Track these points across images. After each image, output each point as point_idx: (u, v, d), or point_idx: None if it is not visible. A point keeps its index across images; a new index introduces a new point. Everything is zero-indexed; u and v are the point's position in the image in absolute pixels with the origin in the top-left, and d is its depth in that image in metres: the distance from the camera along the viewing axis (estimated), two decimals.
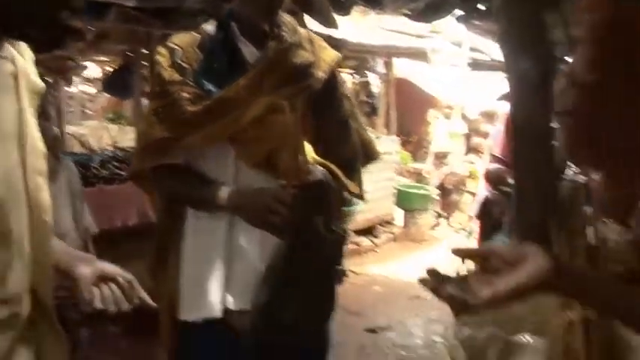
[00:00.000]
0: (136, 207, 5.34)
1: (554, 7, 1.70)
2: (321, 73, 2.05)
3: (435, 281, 1.03)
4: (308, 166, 1.99)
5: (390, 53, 9.73)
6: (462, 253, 1.10)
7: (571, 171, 1.94)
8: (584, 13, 1.82)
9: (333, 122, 2.12)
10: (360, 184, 2.19)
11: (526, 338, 1.57)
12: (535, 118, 1.63)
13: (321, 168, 2.00)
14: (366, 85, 10.49)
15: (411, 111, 11.07)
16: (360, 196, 2.22)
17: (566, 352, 1.40)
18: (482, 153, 9.88)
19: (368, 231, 8.81)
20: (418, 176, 10.65)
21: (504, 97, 7.03)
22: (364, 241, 8.61)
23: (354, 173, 2.16)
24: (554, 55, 1.67)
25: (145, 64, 6.22)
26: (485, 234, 5.01)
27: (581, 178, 1.96)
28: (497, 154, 5.00)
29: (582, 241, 1.61)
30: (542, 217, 1.59)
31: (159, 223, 2.32)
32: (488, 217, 5.01)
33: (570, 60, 1.79)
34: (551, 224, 1.61)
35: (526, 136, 1.66)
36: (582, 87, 1.83)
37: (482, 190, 5.36)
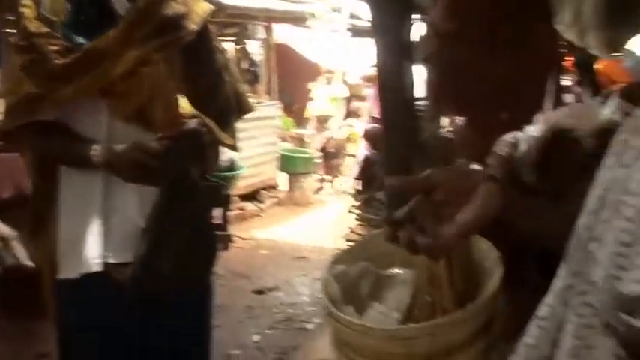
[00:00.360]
0: (10, 179, 5.07)
1: None
2: (193, 25, 2.03)
3: (390, 230, 0.91)
4: (182, 119, 1.99)
5: (269, 18, 9.70)
6: (404, 184, 0.98)
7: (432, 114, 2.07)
8: None
9: (205, 75, 2.11)
10: (233, 136, 2.21)
11: (396, 270, 1.67)
12: (396, 67, 1.72)
13: (195, 120, 2.00)
14: (246, 52, 10.41)
15: (292, 76, 11.12)
16: (234, 148, 2.24)
17: (431, 279, 1.50)
18: (360, 116, 10.17)
19: (252, 196, 8.85)
20: (300, 141, 10.78)
21: None
22: (249, 206, 8.65)
23: (228, 125, 2.17)
24: (414, 5, 1.76)
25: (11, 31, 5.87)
26: (367, 192, 5.18)
27: (446, 124, 2.09)
28: (375, 116, 5.19)
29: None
30: (407, 155, 1.71)
31: (33, 186, 2.24)
32: (369, 177, 5.18)
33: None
34: (416, 166, 1.72)
35: (389, 88, 1.75)
36: (441, 36, 1.96)
37: (362, 151, 5.52)
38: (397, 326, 1.43)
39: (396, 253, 1.73)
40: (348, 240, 4.07)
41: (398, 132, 1.75)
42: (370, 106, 5.50)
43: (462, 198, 0.90)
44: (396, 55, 1.73)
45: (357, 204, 4.76)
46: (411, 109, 1.82)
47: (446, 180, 0.88)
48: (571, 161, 2.54)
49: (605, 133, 2.73)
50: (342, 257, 1.63)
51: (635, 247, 0.67)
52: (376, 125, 5.05)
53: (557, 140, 2.58)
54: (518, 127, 2.19)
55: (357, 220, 4.50)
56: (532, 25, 1.88)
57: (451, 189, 0.90)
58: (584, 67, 4.32)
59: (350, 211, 4.91)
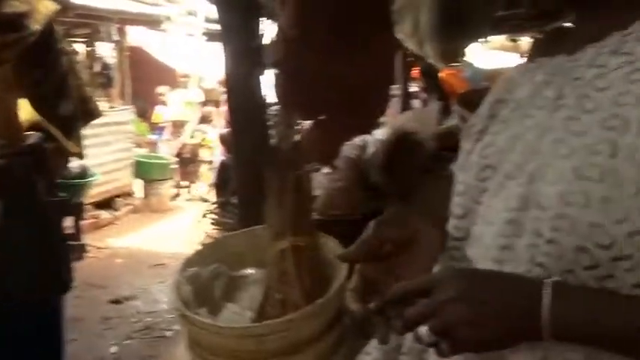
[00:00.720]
0: None
1: None
2: (36, 25, 1.95)
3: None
4: (22, 129, 1.89)
5: (122, 20, 9.39)
6: (352, 257, 0.92)
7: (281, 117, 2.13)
8: None
9: (50, 78, 2.03)
10: (79, 142, 2.14)
11: (248, 271, 1.71)
12: (244, 71, 1.76)
13: (37, 133, 1.91)
14: (97, 55, 10.01)
15: (146, 80, 10.84)
16: (80, 155, 2.16)
17: (281, 277, 1.55)
18: (212, 121, 10.16)
19: (107, 204, 8.52)
20: (155, 146, 10.53)
21: None
22: (103, 214, 8.32)
23: (73, 132, 2.10)
24: (261, 10, 1.80)
25: None
26: (222, 197, 5.17)
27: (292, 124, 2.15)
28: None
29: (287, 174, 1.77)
30: (256, 156, 1.75)
31: None
32: (224, 181, 5.18)
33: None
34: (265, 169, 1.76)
35: (237, 92, 1.78)
36: (289, 41, 2.01)
37: (218, 156, 5.49)
38: (248, 324, 1.47)
39: (247, 254, 1.77)
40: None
41: (247, 136, 1.78)
42: (226, 111, 5.48)
43: (409, 248, 0.88)
44: (243, 59, 1.77)
45: (212, 208, 4.74)
46: (260, 114, 1.86)
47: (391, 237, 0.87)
48: (415, 163, 2.70)
49: (446, 136, 2.91)
50: (193, 260, 1.64)
51: None
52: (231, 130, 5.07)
53: (402, 143, 2.73)
54: (365, 130, 2.31)
55: (212, 224, 4.49)
56: (376, 33, 1.99)
57: (399, 247, 0.87)
58: (429, 75, 4.60)
59: (205, 216, 4.88)
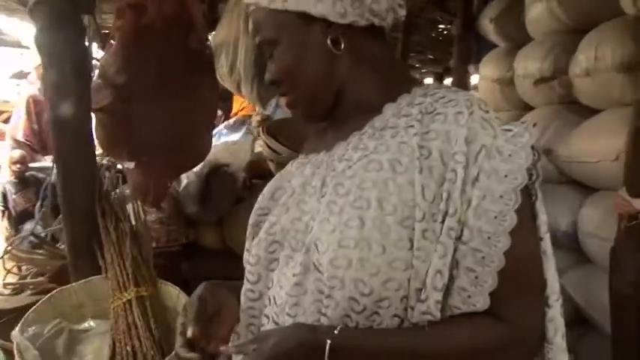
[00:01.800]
0: None
1: (90, 10, 1.81)
2: None
3: None
4: None
5: None
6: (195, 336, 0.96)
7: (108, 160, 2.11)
8: (114, 21, 1.99)
9: None
10: None
11: (90, 324, 1.70)
12: (74, 113, 1.72)
13: None
14: None
15: None
16: None
17: (129, 329, 1.58)
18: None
19: None
20: None
21: (17, 76, 6.71)
22: None
23: None
24: (88, 53, 1.78)
25: None
26: (15, 223, 4.82)
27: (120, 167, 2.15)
28: (20, 139, 4.89)
29: (123, 224, 1.80)
30: (89, 205, 1.73)
31: None
32: (14, 206, 4.84)
33: None
34: (97, 210, 1.75)
35: (65, 131, 1.74)
36: (113, 87, 2.01)
37: (3, 180, 5.07)
38: None
39: (87, 305, 1.76)
40: (7, 284, 3.63)
41: (79, 184, 1.76)
42: (13, 129, 5.09)
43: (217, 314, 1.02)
44: (76, 103, 1.73)
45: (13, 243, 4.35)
46: (92, 160, 1.85)
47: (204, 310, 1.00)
48: (227, 193, 2.82)
49: (255, 165, 3.05)
50: (32, 318, 1.61)
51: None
52: (22, 151, 4.77)
53: (215, 174, 2.83)
54: (187, 169, 2.36)
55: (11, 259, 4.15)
56: (200, 78, 2.06)
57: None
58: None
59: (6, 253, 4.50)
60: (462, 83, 3.97)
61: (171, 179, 2.13)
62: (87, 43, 1.81)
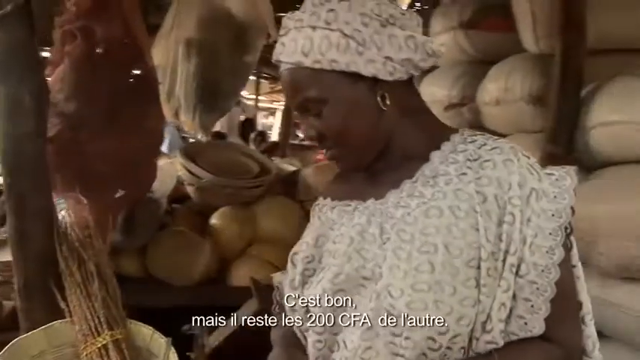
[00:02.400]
0: None
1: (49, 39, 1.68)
2: None
3: None
4: None
5: None
6: None
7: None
8: (58, 46, 1.86)
9: None
10: None
11: None
12: (27, 144, 1.59)
13: None
14: None
15: None
16: None
17: None
18: None
19: None
20: None
21: None
22: None
23: None
24: (46, 83, 1.64)
25: None
26: None
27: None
28: None
29: (87, 263, 1.70)
30: (46, 244, 1.59)
31: None
32: None
33: None
34: (57, 250, 1.63)
35: (19, 163, 1.60)
36: (62, 115, 1.87)
37: None
38: None
39: (48, 353, 1.64)
40: None
41: (36, 218, 1.61)
42: None
43: None
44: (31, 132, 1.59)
45: None
46: (48, 190, 1.70)
47: None
48: (152, 219, 2.75)
49: (174, 190, 3.00)
50: None
51: None
52: None
53: (139, 202, 2.74)
54: (136, 200, 2.27)
55: None
56: (144, 104, 1.97)
57: None
58: None
59: None
60: None
61: (118, 211, 2.02)
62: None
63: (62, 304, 1.61)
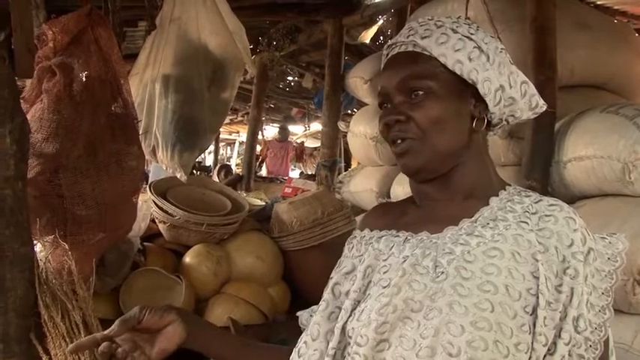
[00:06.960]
0: None
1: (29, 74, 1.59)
2: None
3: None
4: None
5: None
6: (115, 334, 1.04)
7: None
8: (36, 83, 1.79)
9: None
10: None
11: None
12: (6, 189, 1.50)
13: None
14: None
15: None
16: None
17: None
18: None
19: None
20: None
21: None
22: None
23: None
24: (27, 123, 1.56)
25: None
26: None
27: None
28: None
29: (72, 314, 1.63)
30: (26, 294, 1.51)
31: None
32: None
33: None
34: (39, 300, 1.55)
35: None
36: (41, 156, 1.79)
37: None
38: None
39: None
40: None
41: (14, 264, 1.53)
42: None
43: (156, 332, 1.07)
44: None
45: None
46: (29, 237, 1.62)
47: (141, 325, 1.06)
48: (125, 259, 2.67)
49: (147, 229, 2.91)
50: None
51: None
52: None
53: (114, 242, 2.65)
54: (117, 242, 2.18)
55: None
56: (123, 143, 1.90)
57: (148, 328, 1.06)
58: None
59: None
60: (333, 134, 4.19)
61: (98, 255, 1.94)
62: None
63: (45, 358, 1.53)
